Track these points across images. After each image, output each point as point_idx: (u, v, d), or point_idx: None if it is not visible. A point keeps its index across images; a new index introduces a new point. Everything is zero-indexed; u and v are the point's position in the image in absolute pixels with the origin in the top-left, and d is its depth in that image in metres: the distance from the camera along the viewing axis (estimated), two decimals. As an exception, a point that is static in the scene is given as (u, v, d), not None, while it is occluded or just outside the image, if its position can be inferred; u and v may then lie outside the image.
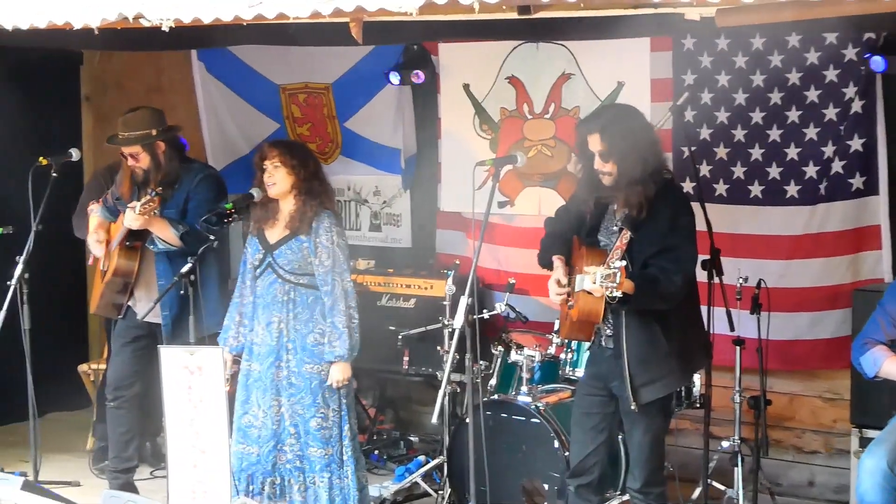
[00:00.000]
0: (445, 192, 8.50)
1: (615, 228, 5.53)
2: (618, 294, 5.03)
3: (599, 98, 7.60)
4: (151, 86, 9.69)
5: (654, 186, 5.42)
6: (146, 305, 6.67)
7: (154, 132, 6.81)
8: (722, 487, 6.79)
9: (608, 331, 5.56)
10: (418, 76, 8.13)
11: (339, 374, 6.24)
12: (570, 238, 5.71)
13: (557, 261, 5.65)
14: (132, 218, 6.57)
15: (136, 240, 6.88)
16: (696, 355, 5.83)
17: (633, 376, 5.40)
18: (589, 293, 5.28)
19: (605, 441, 5.69)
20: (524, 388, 6.81)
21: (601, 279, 5.02)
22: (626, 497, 5.99)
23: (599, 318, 5.41)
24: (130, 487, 7.00)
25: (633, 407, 5.42)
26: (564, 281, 5.57)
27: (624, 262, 5.06)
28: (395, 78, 8.18)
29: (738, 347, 6.62)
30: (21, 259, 6.83)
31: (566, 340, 6.81)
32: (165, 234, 6.71)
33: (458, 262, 7.83)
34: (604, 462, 5.73)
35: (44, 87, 9.14)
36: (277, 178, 6.30)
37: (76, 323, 9.41)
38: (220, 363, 5.99)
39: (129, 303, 7.00)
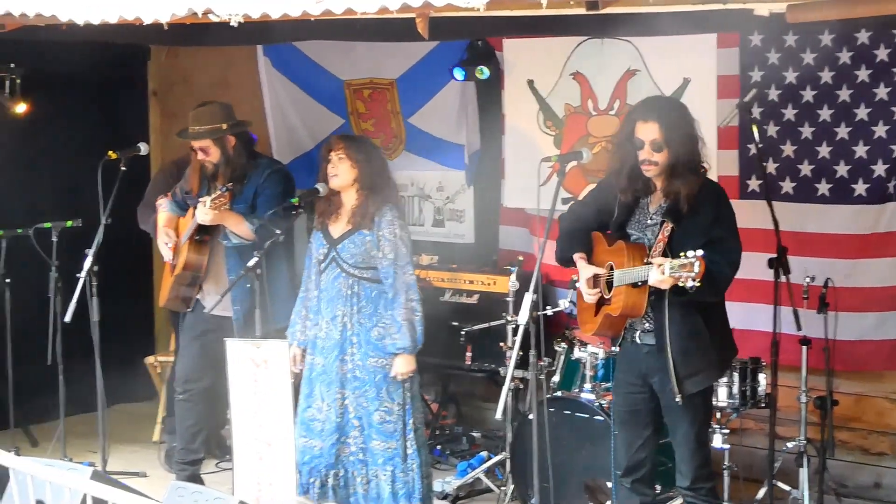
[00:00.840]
0: (509, 188, 8.50)
1: (650, 222, 5.52)
2: (695, 284, 5.02)
3: (665, 94, 7.55)
4: (217, 81, 9.77)
5: (700, 179, 5.44)
6: (215, 299, 6.72)
7: (224, 126, 6.87)
8: (787, 488, 6.75)
9: (647, 325, 5.53)
10: (482, 72, 8.13)
11: (403, 366, 6.27)
12: (590, 234, 5.71)
13: (580, 259, 5.67)
14: (203, 213, 6.62)
15: (206, 234, 6.94)
16: (729, 349, 5.81)
17: (677, 368, 5.38)
18: (635, 287, 5.32)
19: (651, 434, 5.68)
20: (588, 386, 6.81)
21: (674, 269, 5.02)
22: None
23: (642, 312, 5.42)
24: (197, 479, 7.06)
25: (677, 399, 5.40)
26: (596, 272, 5.58)
27: (701, 252, 5.02)
28: (459, 73, 8.19)
29: (804, 347, 6.57)
30: (90, 252, 6.89)
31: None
32: (240, 229, 6.76)
33: (521, 258, 7.84)
34: (653, 454, 5.73)
35: (112, 82, 9.26)
36: (340, 171, 6.34)
37: (143, 315, 9.51)
38: (286, 356, 6.03)
39: (198, 296, 7.08)
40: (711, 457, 5.72)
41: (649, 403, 5.62)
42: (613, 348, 6.94)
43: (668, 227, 5.37)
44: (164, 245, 7.16)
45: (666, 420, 5.63)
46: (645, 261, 5.33)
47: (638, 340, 5.58)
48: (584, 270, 5.64)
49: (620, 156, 5.58)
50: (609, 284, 5.53)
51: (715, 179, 7.18)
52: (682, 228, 5.36)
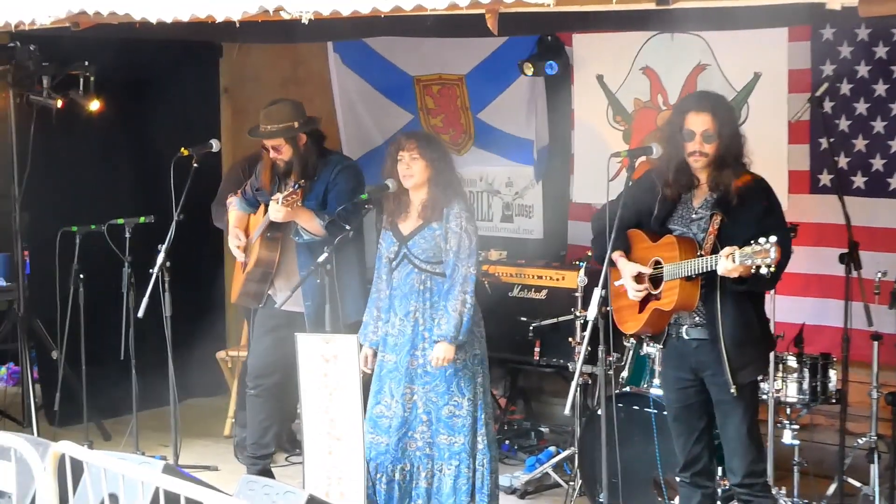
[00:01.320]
0: (578, 183, 8.48)
1: (695, 216, 5.51)
2: (771, 269, 5.01)
3: (735, 89, 7.50)
4: (288, 78, 9.83)
5: (746, 173, 5.46)
6: (286, 295, 6.76)
7: (296, 124, 6.90)
8: (857, 484, 6.69)
9: (697, 318, 5.51)
10: (552, 67, 8.11)
11: (441, 353, 6.23)
12: (625, 233, 5.68)
13: (621, 257, 5.65)
14: (276, 210, 6.67)
15: (278, 231, 6.99)
16: (771, 341, 5.85)
17: (730, 359, 5.37)
18: (688, 280, 5.31)
19: (706, 426, 5.69)
20: (656, 381, 6.77)
21: (746, 256, 5.02)
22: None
23: (695, 304, 5.42)
24: (267, 473, 7.11)
25: (732, 390, 5.39)
26: (646, 271, 5.56)
27: (775, 238, 5.01)
28: (528, 69, 8.18)
29: (875, 342, 6.52)
30: (163, 248, 6.95)
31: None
32: (311, 225, 6.80)
33: (590, 253, 7.80)
34: (711, 446, 5.73)
35: (185, 80, 9.33)
36: (415, 171, 6.34)
37: (214, 310, 9.59)
38: (356, 351, 6.06)
39: (270, 292, 7.13)
40: (765, 452, 5.70)
41: (700, 395, 5.63)
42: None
43: (718, 218, 5.38)
44: (234, 248, 7.22)
45: (717, 416, 5.62)
46: (698, 253, 5.33)
47: (685, 336, 5.57)
48: (628, 268, 5.64)
49: (669, 150, 5.57)
50: (654, 280, 5.52)
51: (785, 174, 7.19)
52: (732, 220, 5.36)
